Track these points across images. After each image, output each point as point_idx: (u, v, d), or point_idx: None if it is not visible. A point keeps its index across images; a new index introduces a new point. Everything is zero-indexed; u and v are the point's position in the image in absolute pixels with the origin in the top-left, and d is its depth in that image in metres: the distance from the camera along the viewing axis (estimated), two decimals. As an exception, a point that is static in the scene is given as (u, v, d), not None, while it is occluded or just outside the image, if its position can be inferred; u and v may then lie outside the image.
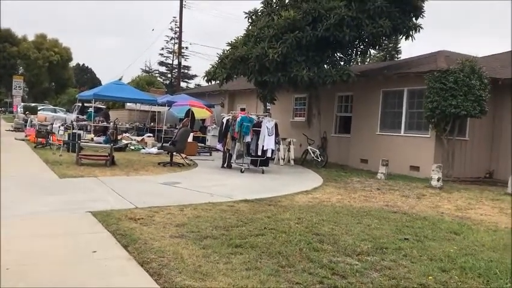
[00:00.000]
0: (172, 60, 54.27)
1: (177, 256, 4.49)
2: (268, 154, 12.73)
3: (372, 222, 6.57)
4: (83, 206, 6.62)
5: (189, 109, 19.71)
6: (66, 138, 14.85)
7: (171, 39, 54.02)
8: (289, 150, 15.49)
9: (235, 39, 14.92)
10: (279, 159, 15.28)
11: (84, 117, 22.48)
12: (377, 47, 18.45)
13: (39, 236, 5.12)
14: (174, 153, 13.24)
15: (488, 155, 14.50)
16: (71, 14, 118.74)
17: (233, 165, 13.08)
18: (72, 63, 70.25)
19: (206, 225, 5.78)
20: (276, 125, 13.02)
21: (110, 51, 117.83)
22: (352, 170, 14.66)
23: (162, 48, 55.39)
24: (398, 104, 14.61)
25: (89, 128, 19.70)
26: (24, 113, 29.96)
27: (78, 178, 9.40)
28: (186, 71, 53.38)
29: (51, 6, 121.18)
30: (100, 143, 14.47)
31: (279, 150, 14.92)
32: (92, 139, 15.79)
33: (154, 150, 16.22)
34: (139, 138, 19.47)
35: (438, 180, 11.06)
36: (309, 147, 15.61)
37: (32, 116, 25.49)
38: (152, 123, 24.17)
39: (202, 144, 19.57)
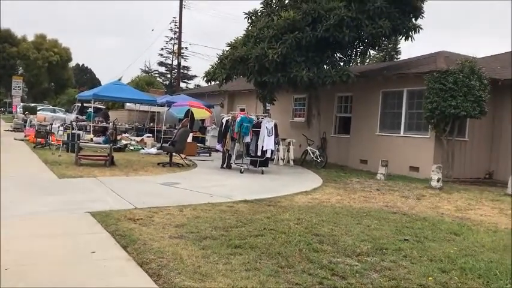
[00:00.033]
0: (172, 61, 54.31)
1: (177, 257, 4.48)
2: (268, 154, 12.72)
3: (371, 223, 6.56)
4: (82, 206, 6.61)
5: (189, 109, 19.70)
6: (66, 139, 14.83)
7: (170, 40, 54.09)
8: (288, 151, 15.49)
9: (234, 40, 14.92)
10: (278, 160, 15.27)
11: (84, 117, 22.45)
12: (376, 48, 18.43)
13: (38, 236, 5.10)
14: (174, 154, 13.22)
15: (488, 156, 14.50)
16: (70, 14, 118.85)
17: (232, 165, 13.07)
18: (72, 64, 70.35)
19: (205, 226, 5.77)
20: (275, 125, 13.02)
21: (110, 51, 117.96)
22: (352, 170, 14.66)
23: (162, 49, 55.50)
24: (398, 105, 14.61)
25: (88, 128, 19.67)
26: (23, 113, 29.94)
27: (78, 178, 9.38)
28: (185, 71, 53.41)
29: (51, 6, 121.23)
30: (99, 143, 14.44)
31: (278, 150, 14.92)
32: (91, 139, 15.74)
33: (154, 150, 16.21)
34: (138, 139, 19.46)
35: (438, 181, 11.05)
36: (308, 148, 15.61)
37: (32, 116, 25.47)
38: (152, 124, 24.17)
39: (202, 145, 19.57)
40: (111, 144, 12.82)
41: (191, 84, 54.53)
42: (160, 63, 55.90)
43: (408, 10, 14.50)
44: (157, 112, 25.15)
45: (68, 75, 66.18)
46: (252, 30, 14.47)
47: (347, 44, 14.44)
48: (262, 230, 5.70)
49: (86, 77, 80.00)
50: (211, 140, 19.83)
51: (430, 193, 10.24)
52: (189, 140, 15.66)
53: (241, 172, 12.26)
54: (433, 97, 12.63)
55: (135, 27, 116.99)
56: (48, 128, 17.68)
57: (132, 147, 17.32)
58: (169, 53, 54.70)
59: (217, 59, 15.25)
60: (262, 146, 12.48)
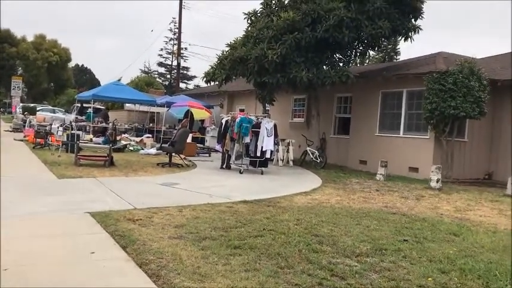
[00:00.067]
0: (172, 61, 54.36)
1: (176, 257, 4.47)
2: (267, 155, 12.72)
3: (371, 224, 6.56)
4: (81, 206, 6.60)
5: (188, 110, 19.69)
6: (65, 139, 14.81)
7: (170, 40, 54.16)
8: (288, 151, 15.48)
9: (234, 40, 14.93)
10: (278, 160, 15.27)
11: (83, 117, 22.44)
12: (376, 48, 18.47)
13: (38, 237, 5.10)
14: (173, 154, 13.22)
15: (487, 157, 14.51)
16: (70, 14, 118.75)
17: (232, 166, 13.07)
18: (71, 64, 70.35)
19: (205, 226, 5.76)
20: (275, 125, 13.02)
21: (109, 51, 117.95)
22: (351, 171, 14.66)
23: (161, 49, 55.56)
24: (398, 105, 14.61)
25: (87, 128, 19.66)
26: (23, 114, 29.90)
27: (77, 179, 9.38)
28: (185, 71, 53.42)
29: (51, 6, 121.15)
30: (99, 143, 14.43)
31: (278, 151, 14.92)
32: (91, 140, 15.75)
33: (153, 151, 16.20)
34: (138, 139, 19.45)
35: (437, 182, 11.06)
36: (308, 148, 15.61)
37: (31, 117, 25.42)
38: (151, 124, 24.14)
39: (201, 145, 19.56)
40: (111, 145, 12.81)
41: (191, 85, 54.60)
42: (160, 64, 55.99)
43: (408, 11, 14.52)
44: (156, 112, 25.15)
45: (68, 76, 66.16)
46: (252, 31, 14.48)
47: (346, 45, 14.45)
48: (262, 231, 5.70)
49: (86, 78, 79.99)
50: (210, 141, 19.83)
51: (430, 194, 10.24)
52: (189, 140, 15.66)
53: (241, 172, 12.26)
54: (433, 98, 12.64)
55: (135, 27, 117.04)
56: (47, 128, 17.67)
57: (131, 148, 17.31)
58: (169, 53, 54.80)
59: (216, 60, 15.27)
60: (262, 147, 12.48)
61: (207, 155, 17.42)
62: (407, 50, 77.46)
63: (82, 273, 4.04)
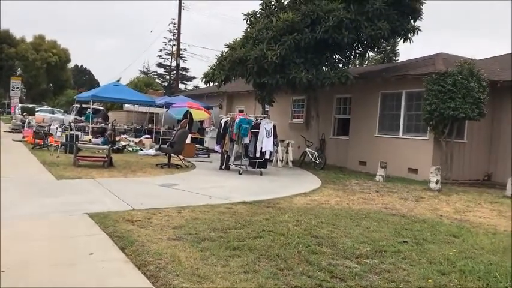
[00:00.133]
0: (171, 62, 54.34)
1: (175, 259, 4.45)
2: (267, 156, 12.71)
3: (370, 225, 6.54)
4: (80, 207, 6.58)
5: (187, 111, 19.68)
6: (64, 140, 14.79)
7: (169, 41, 54.13)
8: (287, 152, 15.47)
9: (233, 41, 14.91)
10: (277, 161, 15.26)
11: (82, 118, 22.41)
12: (375, 49, 18.48)
13: (36, 238, 5.07)
14: (172, 155, 13.20)
15: (487, 158, 14.50)
16: (70, 14, 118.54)
17: (231, 167, 13.05)
18: (71, 65, 70.21)
19: (204, 228, 5.74)
20: (274, 126, 13.01)
21: (109, 52, 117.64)
22: (351, 172, 14.65)
23: (161, 50, 55.54)
24: (397, 106, 14.61)
25: (86, 129, 19.63)
26: (21, 114, 29.87)
27: (76, 179, 9.35)
28: (184, 72, 53.38)
29: (51, 6, 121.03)
30: (98, 144, 14.41)
31: (277, 152, 14.91)
32: (90, 140, 15.73)
33: (152, 151, 16.19)
34: (137, 140, 19.43)
35: (437, 183, 11.05)
36: (307, 149, 15.59)
37: (30, 117, 25.39)
38: (150, 125, 24.11)
39: (201, 146, 19.55)
40: (110, 146, 12.79)
41: (190, 86, 54.58)
42: (159, 65, 55.96)
43: (407, 12, 14.51)
44: (156, 113, 25.11)
45: (67, 76, 66.08)
46: (251, 32, 14.46)
47: (346, 46, 14.44)
48: (261, 232, 5.68)
49: (85, 78, 79.88)
50: (210, 141, 19.82)
51: (429, 195, 10.23)
52: (188, 141, 15.63)
53: (240, 173, 12.24)
54: (432, 99, 12.63)
55: (135, 28, 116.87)
56: (46, 129, 17.63)
57: (130, 149, 17.28)
58: (168, 54, 54.82)
59: (216, 60, 15.25)
60: (261, 147, 12.47)
61: (206, 155, 17.40)
62: (406, 51, 77.49)
63: (80, 274, 4.02)
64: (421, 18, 14.93)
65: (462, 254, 5.25)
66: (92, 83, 70.72)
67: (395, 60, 38.70)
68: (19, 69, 60.18)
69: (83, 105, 24.01)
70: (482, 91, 12.58)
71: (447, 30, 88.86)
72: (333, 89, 15.32)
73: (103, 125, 20.06)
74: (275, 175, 12.70)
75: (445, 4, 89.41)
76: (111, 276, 4.02)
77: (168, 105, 22.11)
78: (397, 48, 42.13)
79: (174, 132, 16.14)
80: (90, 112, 21.03)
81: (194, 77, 55.44)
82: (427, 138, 13.49)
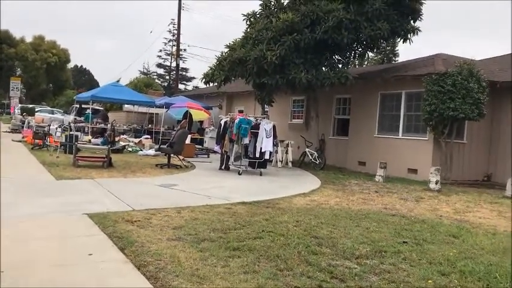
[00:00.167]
0: (171, 62, 54.33)
1: (174, 259, 4.44)
2: (266, 156, 12.71)
3: (370, 225, 6.54)
4: (79, 208, 6.57)
5: (187, 111, 19.67)
6: (64, 140, 14.78)
7: (169, 41, 54.12)
8: (287, 153, 15.47)
9: (233, 42, 14.91)
10: (276, 162, 15.25)
11: (82, 118, 22.41)
12: (375, 50, 18.47)
13: (36, 238, 5.06)
14: (172, 155, 13.19)
15: (486, 158, 14.51)
16: (70, 14, 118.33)
17: (231, 167, 13.04)
18: (70, 65, 70.19)
19: (203, 228, 5.74)
20: (274, 127, 13.01)
21: (108, 52, 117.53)
22: (350, 172, 14.64)
23: (160, 50, 55.51)
24: (396, 107, 14.61)
25: (86, 129, 19.63)
26: (21, 115, 29.86)
27: (75, 180, 9.34)
28: (184, 73, 53.38)
29: (51, 6, 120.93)
30: (97, 144, 14.41)
31: (276, 152, 14.90)
32: (90, 141, 15.73)
33: (152, 152, 16.18)
34: (136, 140, 19.41)
35: (436, 183, 11.04)
36: (307, 150, 15.59)
37: (29, 118, 25.38)
38: (150, 125, 24.11)
39: (200, 146, 19.53)
40: (109, 146, 12.78)
41: (190, 86, 54.56)
42: (159, 65, 55.94)
43: (407, 12, 14.51)
44: (155, 113, 25.10)
45: (66, 77, 66.06)
46: (251, 32, 14.46)
47: (345, 46, 14.43)
48: (261, 232, 5.67)
49: (84, 79, 79.82)
50: (209, 142, 19.81)
51: (429, 195, 10.23)
52: (188, 141, 15.63)
53: (240, 174, 12.23)
54: (432, 99, 12.63)
55: (134, 28, 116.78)
56: (46, 129, 17.63)
57: (130, 149, 17.27)
58: (168, 54, 54.79)
59: (215, 61, 15.24)
60: (261, 148, 12.47)
61: (206, 156, 17.39)
62: (406, 51, 77.42)
63: (80, 274, 4.02)
64: (421, 18, 14.93)
65: (462, 255, 5.24)
66: (92, 83, 70.68)
67: (395, 61, 38.73)
68: (19, 69, 60.17)
69: (83, 106, 24.02)
70: (482, 92, 12.58)
71: (447, 31, 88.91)
72: (333, 90, 15.32)
73: (103, 125, 20.05)
74: (275, 175, 12.69)
75: (445, 4, 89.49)
76: (111, 277, 4.01)
77: (167, 106, 22.10)
78: (396, 48, 42.20)
79: (174, 132, 16.14)
80: (90, 112, 21.03)
81: (194, 78, 55.52)
82: (426, 138, 13.49)
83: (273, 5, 15.17)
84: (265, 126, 12.71)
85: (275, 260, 4.62)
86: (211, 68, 15.37)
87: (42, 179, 9.40)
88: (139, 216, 6.22)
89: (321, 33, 13.42)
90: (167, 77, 56.16)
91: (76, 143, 12.90)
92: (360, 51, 15.96)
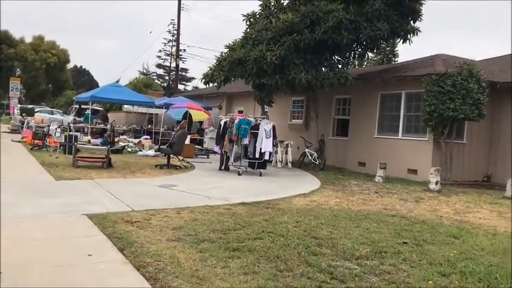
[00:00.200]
0: (170, 63, 54.29)
1: (174, 260, 4.43)
2: (266, 157, 12.70)
3: (370, 226, 6.53)
4: (79, 208, 6.56)
5: (187, 111, 19.67)
6: (63, 140, 14.77)
7: (169, 42, 54.08)
8: (286, 153, 15.47)
9: (233, 42, 14.90)
10: (276, 162, 15.25)
11: (81, 119, 22.39)
12: (374, 50, 18.47)
13: (35, 239, 5.05)
14: (171, 156, 13.18)
15: (486, 159, 14.50)
16: (70, 14, 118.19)
17: (230, 167, 13.03)
18: (70, 65, 70.15)
19: (203, 229, 5.72)
20: (273, 127, 13.00)
21: (108, 53, 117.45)
22: (350, 173, 14.64)
23: (160, 51, 55.43)
24: (396, 107, 14.60)
25: (86, 130, 19.62)
26: (20, 115, 29.84)
27: (75, 180, 9.33)
28: (183, 73, 53.34)
29: (51, 6, 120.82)
30: (97, 145, 14.39)
31: (276, 152, 14.90)
32: (89, 141, 15.71)
33: (152, 152, 16.16)
34: (136, 141, 19.39)
35: (436, 184, 11.04)
36: (306, 150, 15.58)
37: (29, 118, 25.34)
38: (149, 126, 24.10)
39: (200, 147, 19.53)
40: (109, 146, 12.76)
41: (189, 86, 54.53)
42: (159, 65, 55.88)
43: (406, 13, 14.51)
44: (155, 114, 25.08)
45: (66, 77, 66.03)
46: (251, 33, 14.45)
47: (345, 47, 14.43)
48: (261, 233, 5.66)
49: (84, 79, 79.79)
50: (209, 142, 19.79)
51: (429, 196, 10.22)
52: (187, 141, 15.62)
53: (239, 174, 12.22)
54: (432, 100, 12.62)
55: (134, 28, 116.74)
56: (45, 129, 17.60)
57: (129, 149, 17.26)
58: (168, 55, 54.75)
59: (215, 61, 15.24)
60: (261, 148, 12.46)
61: (206, 156, 17.38)
62: (406, 51, 77.45)
63: (79, 275, 4.00)
64: (421, 19, 14.93)
65: (462, 255, 5.24)
66: (91, 83, 70.66)
67: (395, 61, 38.75)
68: (18, 69, 60.15)
69: (82, 106, 24.01)
70: (482, 92, 12.58)
71: (447, 31, 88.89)
72: (332, 90, 15.32)
73: (102, 125, 20.03)
74: (274, 176, 12.68)
75: (445, 4, 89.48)
76: (110, 277, 4.00)
77: (167, 106, 22.09)
78: (396, 49, 42.22)
79: (174, 133, 16.12)
80: (89, 113, 21.01)
81: (193, 78, 55.47)
82: (426, 139, 13.49)
83: (272, 6, 15.17)
84: (265, 126, 12.70)
85: (275, 260, 4.61)
86: (210, 69, 15.36)
87: (42, 179, 9.38)
88: (138, 216, 6.21)
89: (320, 34, 13.41)
90: (167, 78, 56.13)
91: (75, 143, 12.88)
92: (359, 51, 15.95)
